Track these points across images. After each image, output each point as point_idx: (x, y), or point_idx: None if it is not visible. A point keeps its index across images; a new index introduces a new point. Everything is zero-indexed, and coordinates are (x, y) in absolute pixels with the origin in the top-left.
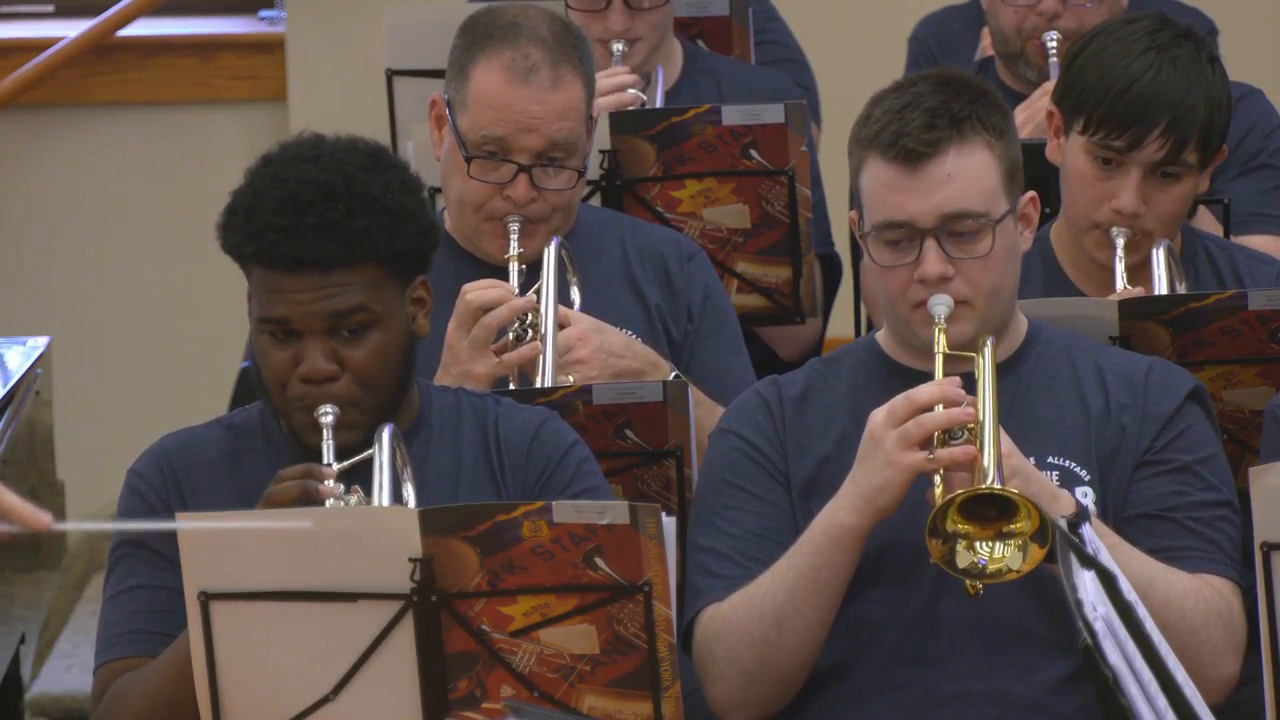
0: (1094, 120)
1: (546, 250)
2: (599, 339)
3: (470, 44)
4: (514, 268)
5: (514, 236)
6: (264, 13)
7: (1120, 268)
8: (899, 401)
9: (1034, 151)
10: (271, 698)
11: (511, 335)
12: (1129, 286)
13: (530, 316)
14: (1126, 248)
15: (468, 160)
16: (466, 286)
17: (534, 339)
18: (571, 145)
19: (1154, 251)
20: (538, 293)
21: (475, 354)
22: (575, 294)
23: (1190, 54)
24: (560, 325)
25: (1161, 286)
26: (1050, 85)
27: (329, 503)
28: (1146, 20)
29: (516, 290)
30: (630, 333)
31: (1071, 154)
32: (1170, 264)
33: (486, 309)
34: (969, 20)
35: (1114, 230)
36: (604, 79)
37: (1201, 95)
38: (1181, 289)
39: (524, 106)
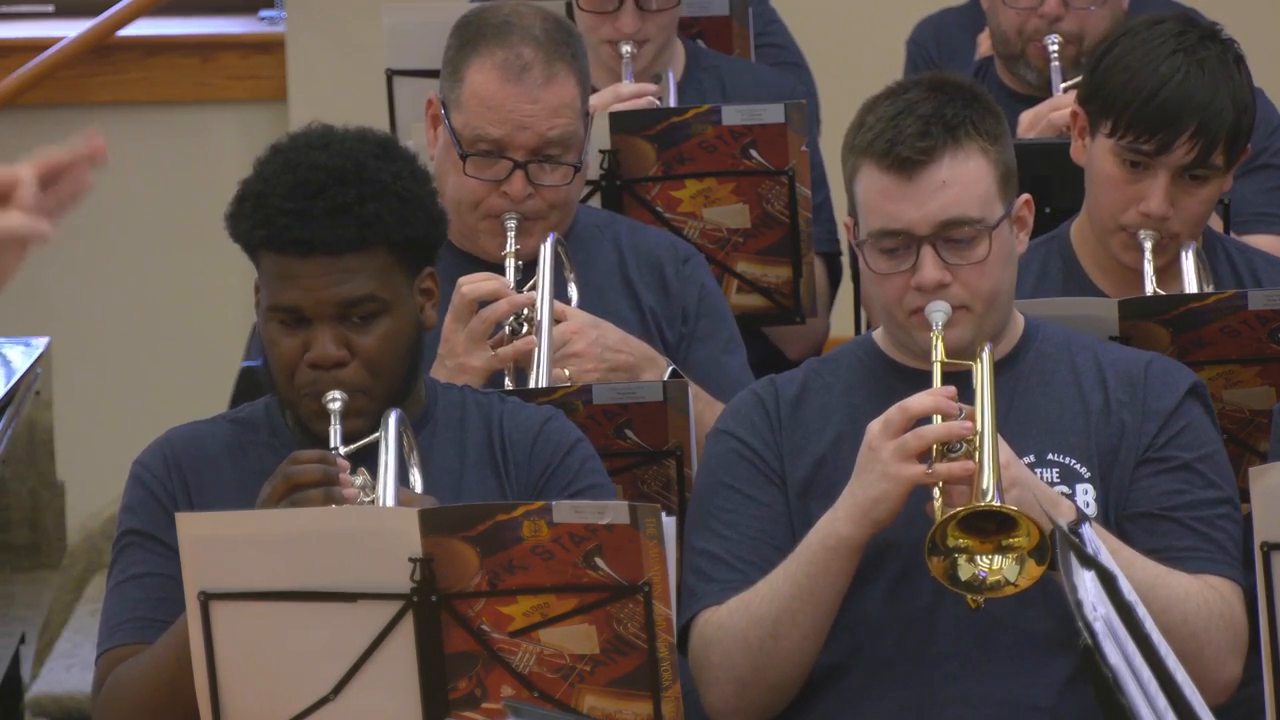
0: (1122, 124)
1: (542, 246)
2: (595, 333)
3: (463, 44)
4: (510, 264)
5: (510, 233)
6: (264, 13)
7: (1149, 270)
8: (894, 412)
9: (1036, 151)
10: (271, 698)
11: (507, 329)
12: (1158, 289)
13: (526, 311)
14: (1154, 250)
15: (463, 158)
16: (462, 279)
17: (529, 333)
18: (567, 141)
19: (1184, 254)
20: (534, 288)
21: (471, 347)
22: (573, 290)
23: (1217, 56)
24: (556, 320)
25: (1192, 288)
26: (1056, 98)
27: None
28: (1172, 22)
29: (513, 286)
30: None
31: (1098, 156)
32: (1199, 266)
33: (483, 302)
34: (967, 22)
35: (1141, 233)
36: (625, 89)
37: (1229, 98)
38: (1210, 291)
39: (517, 105)
